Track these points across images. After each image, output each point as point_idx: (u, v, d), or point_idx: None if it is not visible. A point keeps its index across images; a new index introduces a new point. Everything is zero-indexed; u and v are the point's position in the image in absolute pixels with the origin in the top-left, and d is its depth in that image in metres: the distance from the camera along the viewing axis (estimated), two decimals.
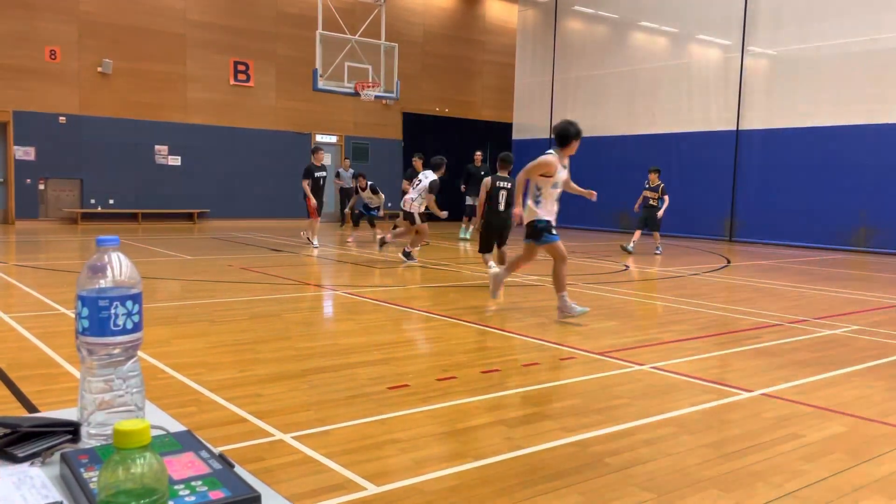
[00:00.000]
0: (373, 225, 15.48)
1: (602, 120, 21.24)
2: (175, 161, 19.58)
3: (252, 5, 20.40)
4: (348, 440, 3.55)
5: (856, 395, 4.62)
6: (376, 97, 18.04)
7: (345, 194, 19.34)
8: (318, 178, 13.51)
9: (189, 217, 19.77)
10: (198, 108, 19.83)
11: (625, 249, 13.98)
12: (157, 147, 19.32)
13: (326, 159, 20.15)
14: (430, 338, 6.07)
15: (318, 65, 16.85)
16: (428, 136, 23.45)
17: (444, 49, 24.40)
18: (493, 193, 9.69)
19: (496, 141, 24.60)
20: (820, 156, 16.26)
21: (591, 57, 21.81)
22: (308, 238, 14.03)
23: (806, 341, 6.27)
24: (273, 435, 3.59)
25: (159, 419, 1.24)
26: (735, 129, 18.06)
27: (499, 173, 9.87)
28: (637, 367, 5.17)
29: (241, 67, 20.33)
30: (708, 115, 18.62)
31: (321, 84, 16.93)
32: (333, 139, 22.38)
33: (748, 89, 17.95)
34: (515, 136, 24.15)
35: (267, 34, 20.64)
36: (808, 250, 15.79)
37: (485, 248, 9.93)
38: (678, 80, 19.55)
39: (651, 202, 14.23)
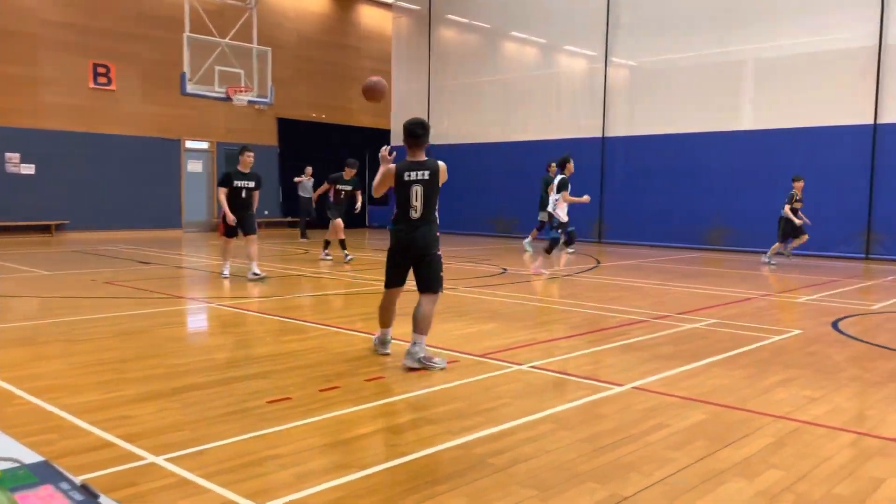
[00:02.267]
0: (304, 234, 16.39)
1: (478, 127, 21.73)
2: (28, 169, 18.17)
3: (112, 5, 19.28)
4: (226, 459, 3.42)
5: (715, 385, 4.96)
6: (249, 102, 17.56)
7: (305, 206, 18.71)
8: (240, 189, 10.16)
9: (46, 229, 18.41)
10: (53, 113, 18.50)
11: (526, 250, 14.83)
12: (7, 155, 17.87)
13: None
14: (311, 348, 5.96)
15: (185, 68, 16.18)
16: (304, 142, 23.07)
17: (320, 54, 24.11)
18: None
19: (375, 147, 24.54)
20: (678, 161, 17.34)
21: (465, 65, 22.24)
22: (328, 255, 13.13)
23: (669, 335, 6.66)
24: (144, 458, 3.40)
25: (12, 450, 1.14)
26: (601, 136, 18.95)
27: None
28: (517, 367, 5.30)
29: (101, 70, 19.17)
30: (576, 122, 19.43)
31: (190, 88, 16.26)
32: (205, 145, 21.55)
33: (612, 98, 18.90)
34: (394, 142, 24.21)
35: (129, 35, 19.57)
36: (669, 250, 16.80)
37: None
38: (548, 89, 20.30)
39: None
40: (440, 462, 3.44)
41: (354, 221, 19.77)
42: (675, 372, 5.28)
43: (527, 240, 15.73)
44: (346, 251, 12.84)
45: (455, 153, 21.79)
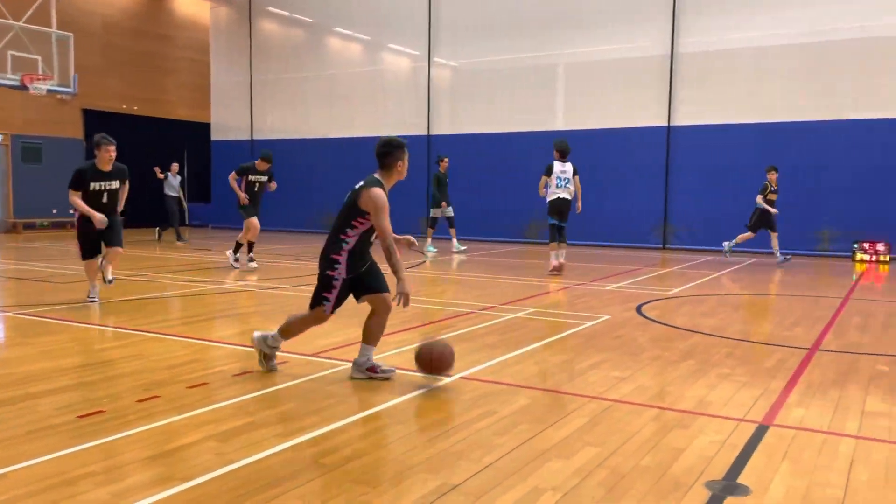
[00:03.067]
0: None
1: (303, 122, 21.36)
2: None
3: None
4: (33, 481, 3.13)
5: (536, 370, 5.25)
6: (49, 91, 16.05)
7: (173, 205, 16.95)
8: (100, 192, 7.84)
9: None
10: None
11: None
12: None
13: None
14: (127, 356, 5.58)
15: None
16: (115, 135, 21.23)
17: (131, 43, 22.51)
18: None
19: (194, 142, 23.39)
20: (499, 159, 18.11)
21: (289, 59, 21.77)
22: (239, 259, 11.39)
23: (494, 326, 6.96)
24: None
25: None
26: (427, 133, 19.33)
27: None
28: (349, 365, 5.29)
29: None
30: (402, 119, 19.67)
31: None
32: None
33: (436, 97, 19.35)
34: (214, 136, 23.19)
35: None
36: (495, 244, 17.51)
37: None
38: (374, 86, 20.40)
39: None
40: (271, 466, 3.36)
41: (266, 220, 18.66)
42: (500, 360, 5.52)
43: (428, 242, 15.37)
44: (251, 255, 11.47)
45: (280, 148, 21.29)
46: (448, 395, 4.59)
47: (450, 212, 14.98)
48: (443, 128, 19.19)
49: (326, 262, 4.87)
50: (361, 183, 4.88)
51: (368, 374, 4.92)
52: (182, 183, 17.73)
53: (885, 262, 13.65)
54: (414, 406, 4.39)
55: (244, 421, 4.04)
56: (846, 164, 14.41)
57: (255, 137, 22.39)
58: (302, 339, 6.32)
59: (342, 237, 4.84)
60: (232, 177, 11.26)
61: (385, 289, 5.01)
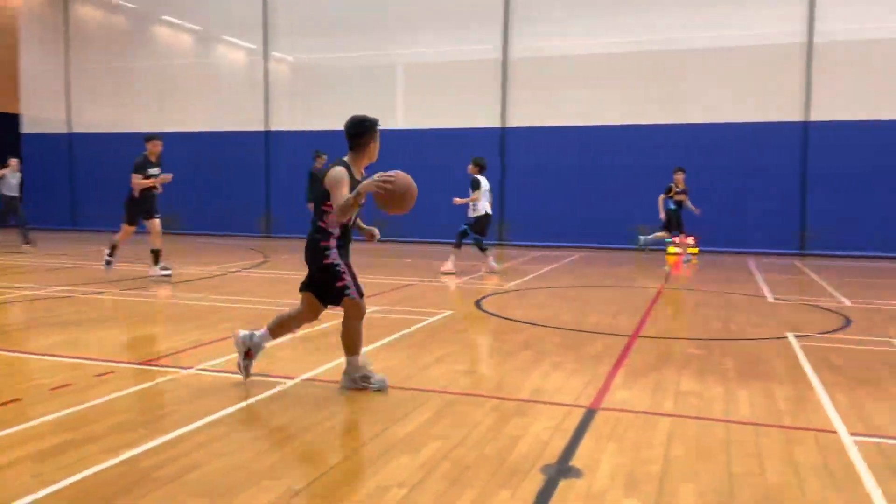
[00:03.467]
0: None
1: (130, 115, 20.00)
2: None
3: None
4: None
5: (383, 367, 5.27)
6: None
7: (11, 205, 14.66)
8: None
9: None
10: None
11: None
12: None
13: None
14: None
15: None
16: None
17: None
18: None
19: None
20: (338, 155, 17.97)
21: (112, 48, 20.28)
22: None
23: (337, 325, 6.90)
24: None
25: None
26: (264, 129, 18.80)
27: None
28: (184, 371, 5.04)
29: None
30: (239, 115, 18.98)
31: None
32: None
33: (274, 92, 18.86)
34: (26, 129, 21.15)
35: None
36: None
37: None
38: (208, 79, 19.53)
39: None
40: (100, 483, 3.13)
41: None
42: (343, 360, 5.49)
43: None
44: (161, 264, 10.01)
45: (100, 142, 19.83)
46: (290, 399, 4.51)
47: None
48: (283, 124, 18.74)
49: (317, 253, 4.60)
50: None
51: (362, 385, 4.65)
52: (22, 182, 15.44)
53: (694, 255, 15.00)
54: (255, 412, 4.27)
55: (65, 438, 3.74)
56: (659, 164, 15.60)
57: (73, 130, 20.67)
58: (130, 347, 5.96)
59: (322, 225, 4.60)
60: (140, 181, 9.92)
61: (359, 293, 4.71)
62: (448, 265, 11.23)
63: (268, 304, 8.07)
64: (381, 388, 4.64)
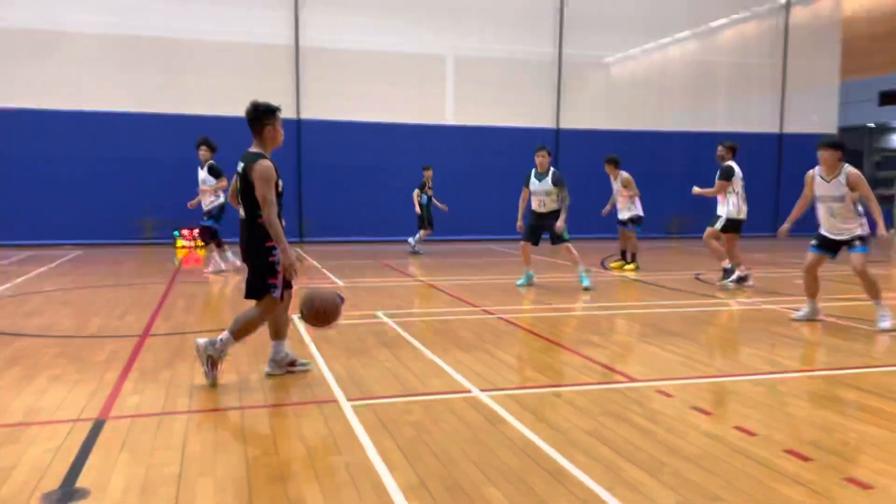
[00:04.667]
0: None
1: None
2: None
3: None
4: None
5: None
6: None
7: None
8: None
9: None
10: None
11: None
12: None
13: None
14: None
15: None
16: None
17: None
18: None
19: None
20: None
21: None
22: None
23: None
24: None
25: None
26: None
27: None
28: None
29: None
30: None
31: None
32: None
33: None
34: None
35: None
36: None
37: None
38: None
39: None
40: None
41: None
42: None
43: None
44: None
45: None
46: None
47: None
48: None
49: (260, 250, 4.65)
50: (242, 164, 4.66)
51: (287, 370, 4.93)
52: None
53: (202, 248, 14.99)
54: None
55: None
56: (168, 156, 15.06)
57: None
58: None
59: (260, 221, 4.60)
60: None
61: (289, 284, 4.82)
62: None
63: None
64: None
